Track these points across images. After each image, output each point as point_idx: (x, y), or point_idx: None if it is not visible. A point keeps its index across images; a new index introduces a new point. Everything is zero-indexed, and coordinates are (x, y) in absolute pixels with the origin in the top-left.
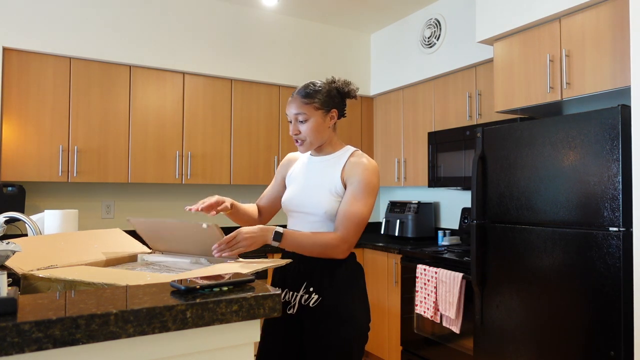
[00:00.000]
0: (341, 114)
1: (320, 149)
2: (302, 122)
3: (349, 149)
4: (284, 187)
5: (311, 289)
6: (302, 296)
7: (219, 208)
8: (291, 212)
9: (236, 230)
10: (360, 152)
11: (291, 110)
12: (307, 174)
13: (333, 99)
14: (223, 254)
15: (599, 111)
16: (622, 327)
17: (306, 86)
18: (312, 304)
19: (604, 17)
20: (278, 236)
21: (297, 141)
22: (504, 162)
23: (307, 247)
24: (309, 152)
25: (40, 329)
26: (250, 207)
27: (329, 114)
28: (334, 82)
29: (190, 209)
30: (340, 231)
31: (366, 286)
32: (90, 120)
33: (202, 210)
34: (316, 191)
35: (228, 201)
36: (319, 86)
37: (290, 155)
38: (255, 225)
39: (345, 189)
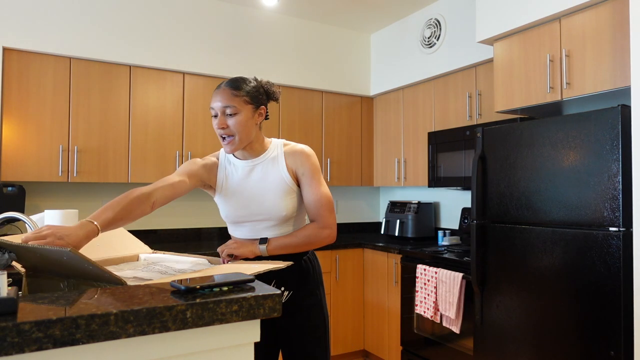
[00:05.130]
0: (266, 115)
1: (250, 150)
2: (230, 115)
3: (276, 141)
4: (193, 187)
5: (282, 288)
6: None
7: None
8: (241, 224)
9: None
10: (287, 141)
11: (218, 102)
12: (249, 180)
13: (262, 95)
14: (223, 257)
15: (599, 111)
16: (622, 327)
17: (235, 79)
18: (284, 300)
19: (604, 17)
20: (264, 240)
21: (223, 138)
22: (504, 162)
23: (293, 244)
24: (232, 156)
25: (40, 329)
26: (126, 212)
27: (258, 110)
28: (259, 80)
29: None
30: (318, 219)
31: (322, 271)
32: (90, 120)
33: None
34: (269, 196)
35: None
36: (249, 81)
37: (206, 160)
38: (139, 216)
39: (295, 182)
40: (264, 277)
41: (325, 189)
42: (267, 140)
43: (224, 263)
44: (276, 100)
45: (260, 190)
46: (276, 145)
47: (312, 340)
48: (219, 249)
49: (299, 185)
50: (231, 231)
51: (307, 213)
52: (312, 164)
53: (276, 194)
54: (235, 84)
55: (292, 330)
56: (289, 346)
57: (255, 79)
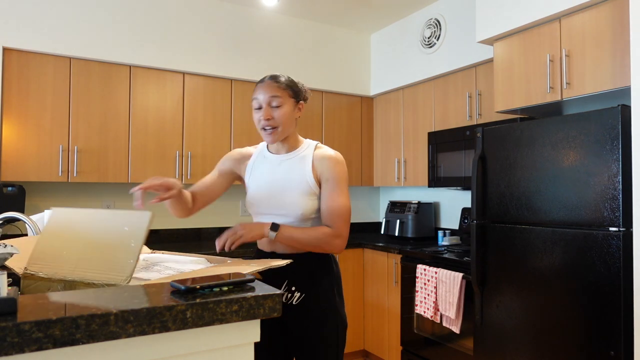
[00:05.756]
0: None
1: (283, 144)
2: (275, 107)
3: (310, 142)
4: (228, 182)
5: (293, 288)
6: (284, 295)
7: (165, 195)
8: (260, 215)
9: (234, 226)
10: (320, 144)
11: (263, 94)
12: (274, 174)
13: (300, 92)
14: (227, 245)
15: (599, 111)
16: (622, 327)
17: (276, 75)
18: (295, 302)
19: (604, 17)
20: (275, 227)
21: (265, 129)
22: (504, 162)
23: (301, 241)
24: (266, 150)
25: (40, 329)
26: (188, 196)
27: (298, 105)
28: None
29: (134, 191)
30: (332, 226)
31: (340, 274)
32: (90, 120)
33: (145, 189)
34: (289, 192)
35: (176, 187)
36: (288, 77)
37: (241, 150)
38: (186, 211)
39: (318, 185)
40: (275, 276)
41: (346, 200)
42: (300, 138)
43: (225, 249)
44: (306, 100)
45: (282, 185)
46: (308, 145)
47: (322, 349)
48: (224, 235)
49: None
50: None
51: (322, 219)
52: (340, 171)
53: (297, 192)
54: (279, 78)
55: (302, 336)
56: (298, 353)
57: (292, 78)
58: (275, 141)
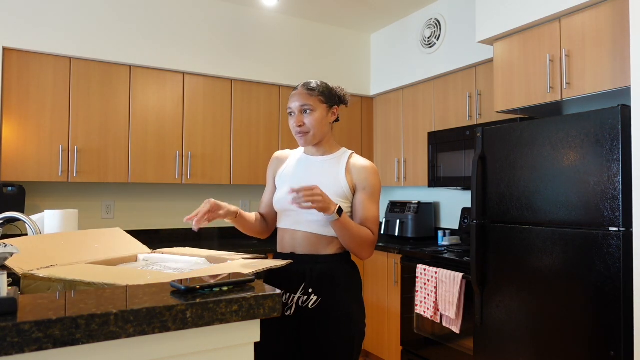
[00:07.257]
0: (337, 116)
1: (318, 147)
2: (306, 113)
3: (346, 150)
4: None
5: (310, 290)
6: (300, 297)
7: (212, 215)
8: (287, 212)
9: (313, 184)
10: (356, 153)
11: (296, 102)
12: (307, 173)
13: (334, 97)
14: (297, 203)
15: (599, 111)
16: (622, 327)
17: (309, 82)
18: (311, 306)
19: (604, 17)
20: (340, 211)
21: (299, 134)
22: (504, 162)
23: (352, 233)
24: (302, 151)
25: (40, 329)
26: (254, 215)
27: (331, 109)
28: (331, 86)
29: (188, 220)
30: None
31: (362, 284)
32: (90, 120)
33: (196, 222)
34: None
35: (226, 208)
36: (321, 83)
37: (280, 153)
38: (260, 231)
39: (352, 192)
40: (293, 278)
41: (378, 211)
42: (337, 145)
43: (293, 203)
44: (346, 104)
45: (315, 183)
46: (344, 152)
47: (334, 356)
48: (299, 188)
49: (353, 195)
50: (280, 223)
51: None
52: (377, 183)
53: (329, 192)
54: (310, 86)
55: (314, 341)
56: (309, 358)
57: (327, 84)
58: (307, 144)
